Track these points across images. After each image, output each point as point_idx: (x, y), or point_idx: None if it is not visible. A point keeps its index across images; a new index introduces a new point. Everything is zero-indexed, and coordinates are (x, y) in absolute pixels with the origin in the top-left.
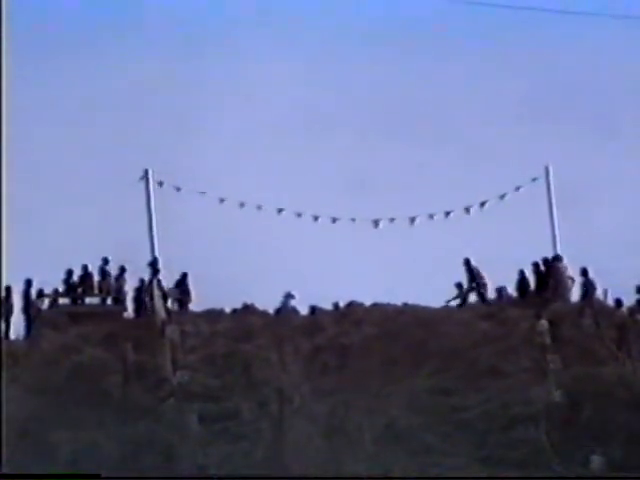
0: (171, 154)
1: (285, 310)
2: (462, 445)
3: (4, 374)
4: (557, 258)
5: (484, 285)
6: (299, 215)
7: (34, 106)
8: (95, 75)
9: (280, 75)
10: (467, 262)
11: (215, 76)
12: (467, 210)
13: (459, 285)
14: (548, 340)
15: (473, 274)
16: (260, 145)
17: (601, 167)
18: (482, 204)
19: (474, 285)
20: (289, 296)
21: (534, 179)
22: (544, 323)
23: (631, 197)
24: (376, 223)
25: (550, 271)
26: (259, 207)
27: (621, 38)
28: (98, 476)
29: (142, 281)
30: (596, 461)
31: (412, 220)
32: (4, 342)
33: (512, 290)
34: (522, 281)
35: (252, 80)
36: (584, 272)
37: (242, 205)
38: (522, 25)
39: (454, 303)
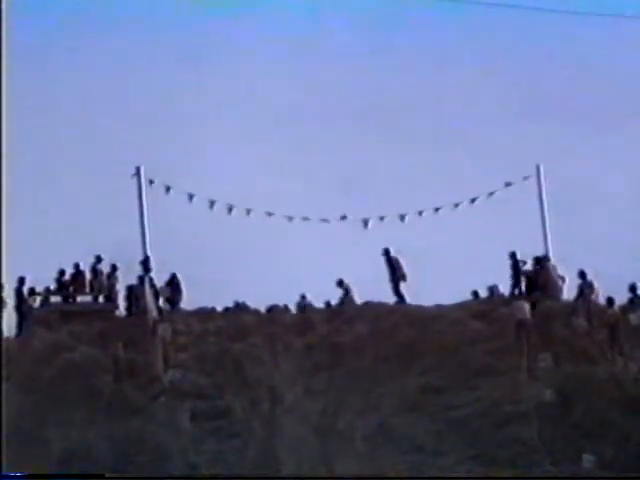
0: (162, 152)
1: (303, 307)
2: (454, 444)
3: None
4: (546, 258)
5: (403, 276)
6: (289, 214)
7: (26, 104)
8: (88, 73)
9: (270, 76)
10: (387, 252)
11: (207, 78)
12: (456, 206)
13: (340, 282)
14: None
15: (393, 265)
16: (251, 143)
17: (592, 166)
18: (472, 200)
19: (394, 277)
20: (304, 297)
21: (525, 177)
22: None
23: (622, 196)
24: (365, 222)
25: (540, 270)
26: (249, 206)
27: (613, 37)
28: (102, 476)
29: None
30: (588, 460)
31: (402, 218)
32: None
33: (503, 288)
34: (515, 265)
35: (243, 82)
36: (582, 274)
37: (232, 205)
38: (514, 24)
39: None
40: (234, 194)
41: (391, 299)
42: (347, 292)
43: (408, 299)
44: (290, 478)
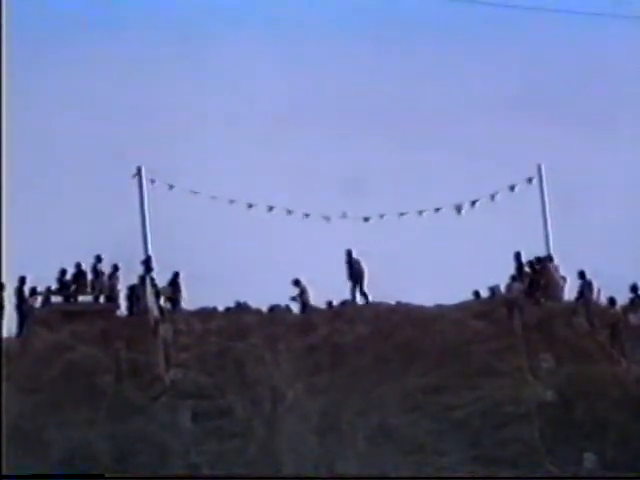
0: (163, 152)
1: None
2: (455, 443)
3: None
4: (548, 258)
5: (361, 277)
6: (290, 212)
7: (27, 105)
8: (90, 72)
9: (272, 74)
10: (349, 254)
11: (207, 76)
12: (458, 209)
13: (296, 282)
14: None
15: (353, 267)
16: (251, 143)
17: (594, 166)
18: (473, 203)
19: (353, 277)
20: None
21: (529, 179)
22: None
23: (624, 196)
24: (367, 221)
25: (541, 270)
26: (251, 205)
27: (613, 37)
28: (102, 476)
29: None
30: (589, 459)
31: (402, 217)
32: None
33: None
34: (520, 266)
35: (244, 79)
36: (582, 275)
37: (233, 202)
38: (515, 24)
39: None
40: (235, 193)
41: (391, 298)
42: (302, 292)
43: (409, 299)
44: (290, 478)
